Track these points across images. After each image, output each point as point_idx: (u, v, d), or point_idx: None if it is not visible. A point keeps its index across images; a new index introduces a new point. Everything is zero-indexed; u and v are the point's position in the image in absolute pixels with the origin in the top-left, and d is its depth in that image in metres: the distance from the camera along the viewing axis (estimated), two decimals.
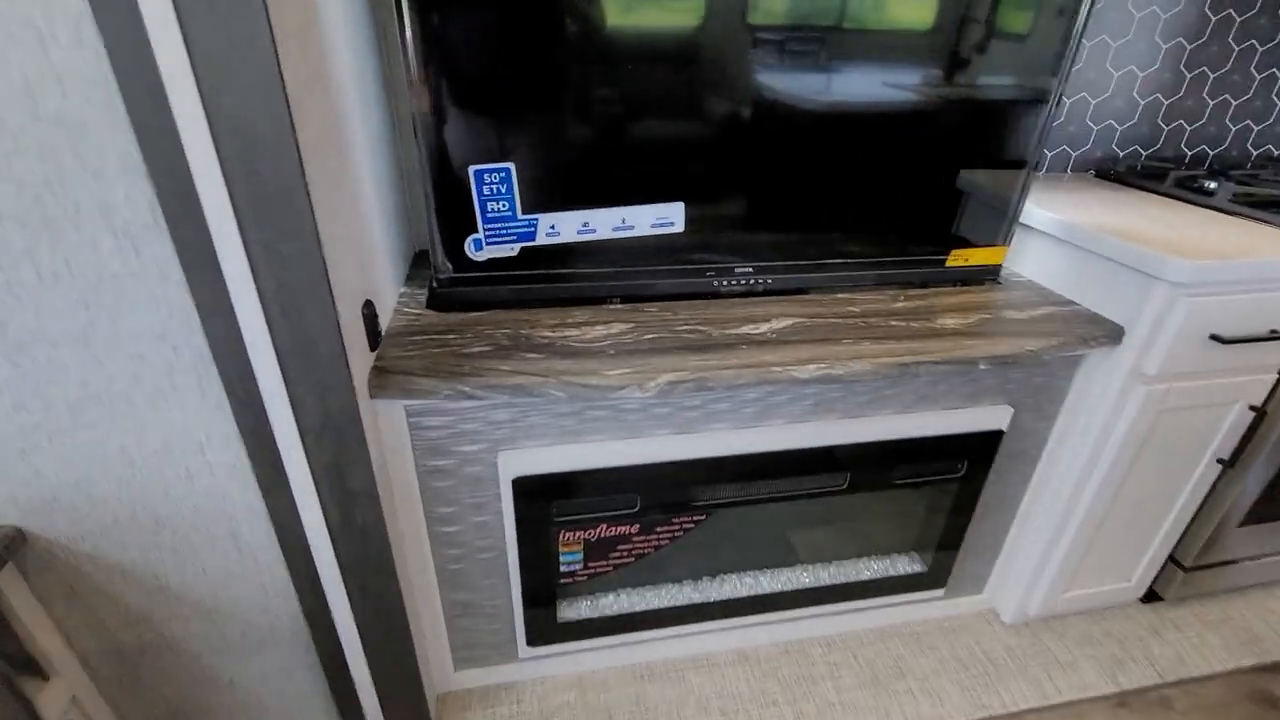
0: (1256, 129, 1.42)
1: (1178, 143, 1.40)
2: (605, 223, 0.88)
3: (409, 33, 0.72)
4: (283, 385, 0.60)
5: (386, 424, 0.77)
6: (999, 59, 0.91)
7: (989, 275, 1.09)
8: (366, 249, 0.76)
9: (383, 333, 0.80)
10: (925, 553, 1.18)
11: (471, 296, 0.90)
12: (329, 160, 0.63)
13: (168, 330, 0.58)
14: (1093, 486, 1.07)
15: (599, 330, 0.85)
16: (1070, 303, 1.01)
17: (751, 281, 0.98)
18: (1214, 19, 1.28)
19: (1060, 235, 1.04)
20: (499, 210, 0.84)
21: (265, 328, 0.57)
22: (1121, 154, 1.38)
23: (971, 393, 0.97)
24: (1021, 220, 1.08)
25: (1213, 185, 1.19)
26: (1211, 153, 1.43)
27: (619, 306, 0.93)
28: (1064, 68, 0.92)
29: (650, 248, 0.92)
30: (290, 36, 0.53)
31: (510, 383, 0.73)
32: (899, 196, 0.99)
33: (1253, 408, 1.03)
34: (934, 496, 1.10)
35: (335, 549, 0.71)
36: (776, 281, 0.99)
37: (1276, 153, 1.47)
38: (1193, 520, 1.20)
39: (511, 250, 0.87)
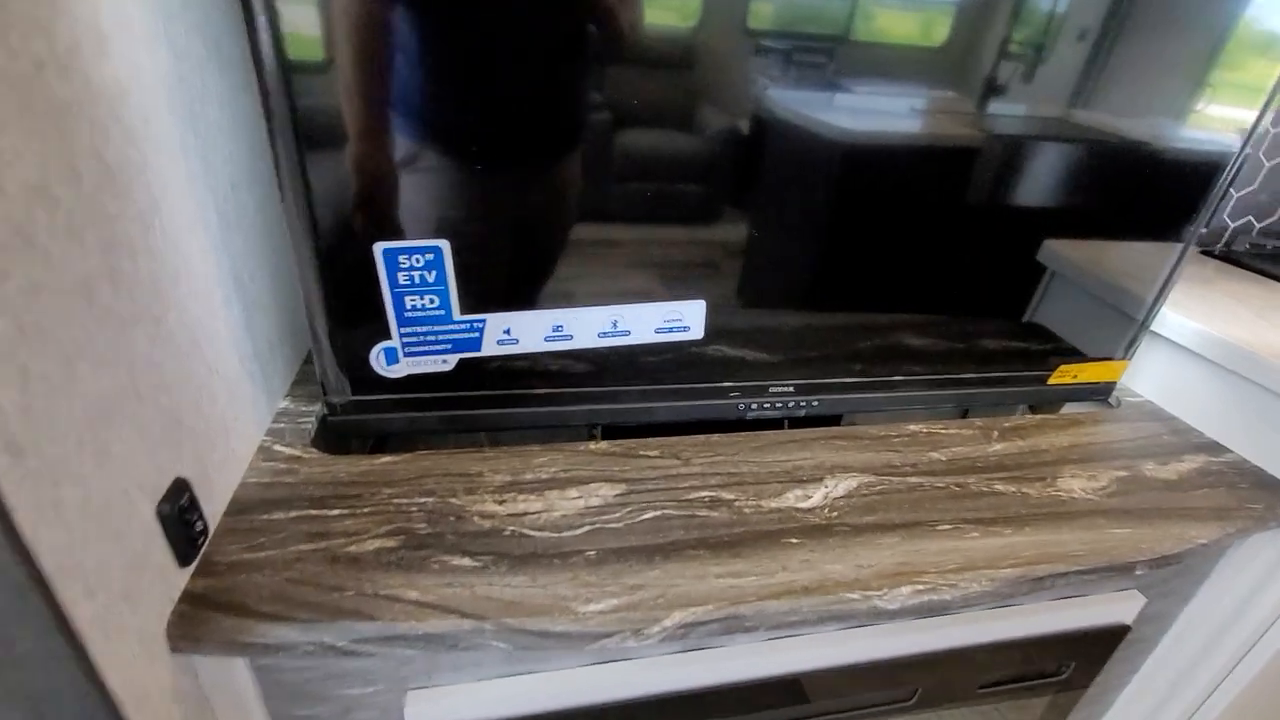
0: None
1: None
2: (588, 326, 0.59)
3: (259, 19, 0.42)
4: None
5: (212, 677, 0.47)
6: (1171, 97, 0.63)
7: (1099, 395, 0.82)
8: (188, 384, 0.46)
9: (208, 531, 0.49)
10: None
11: (381, 428, 0.60)
12: (80, 256, 0.32)
13: None
14: (1215, 673, 0.80)
15: (572, 499, 0.56)
16: (1220, 447, 0.74)
17: (791, 405, 0.70)
18: None
19: (1204, 352, 0.77)
20: (425, 308, 0.54)
21: None
22: (1233, 224, 1.12)
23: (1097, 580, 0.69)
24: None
25: None
26: None
27: (602, 447, 0.63)
28: (1261, 113, 0.64)
29: (652, 361, 0.63)
30: None
31: (420, 630, 0.43)
32: (992, 283, 0.71)
33: None
34: (1021, 701, 0.81)
35: None
36: (824, 404, 0.71)
37: None
38: None
39: (444, 364, 0.57)
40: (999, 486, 0.64)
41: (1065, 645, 0.72)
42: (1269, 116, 0.65)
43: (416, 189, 0.50)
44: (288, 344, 0.65)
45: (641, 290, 0.58)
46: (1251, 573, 0.73)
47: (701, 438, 0.66)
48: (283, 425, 0.61)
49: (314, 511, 0.51)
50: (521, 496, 0.55)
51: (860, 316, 0.68)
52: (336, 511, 0.51)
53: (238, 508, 0.51)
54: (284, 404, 0.64)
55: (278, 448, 0.58)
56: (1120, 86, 0.60)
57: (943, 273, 0.67)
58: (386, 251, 0.51)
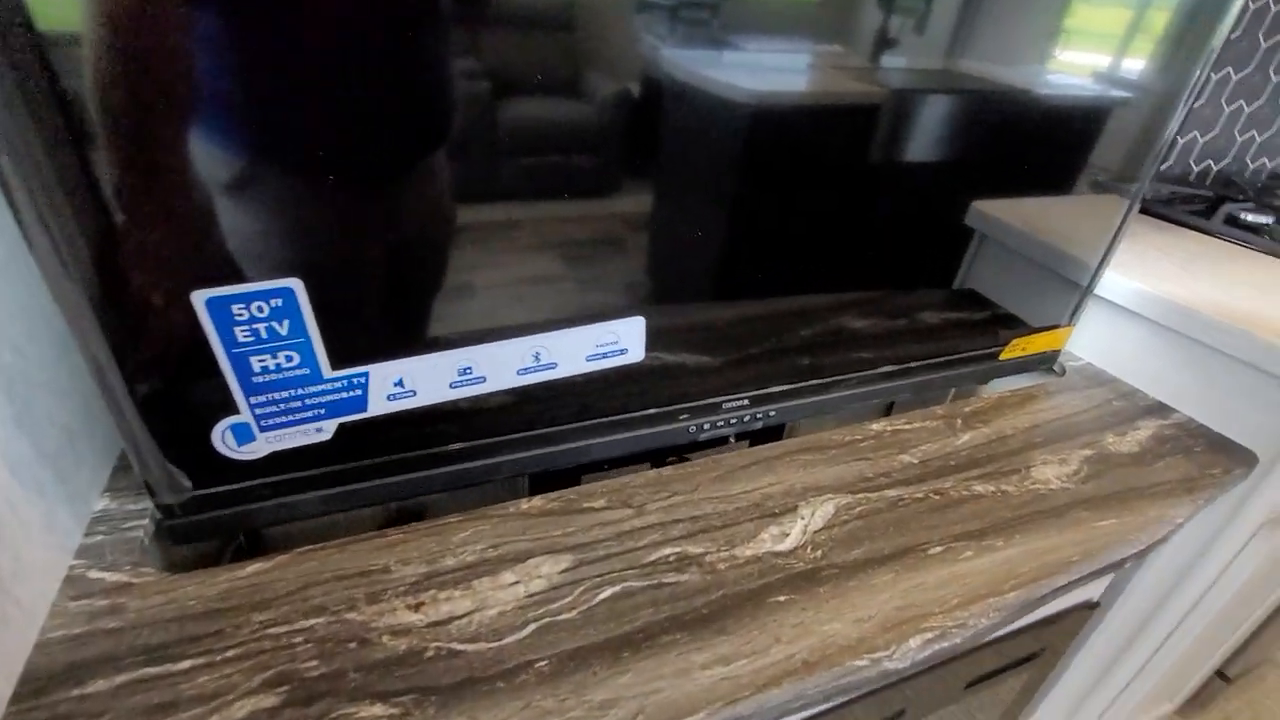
0: (1259, 139, 1.24)
1: (1187, 158, 1.18)
2: (504, 364, 0.47)
3: None
4: None
5: None
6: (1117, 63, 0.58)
7: (1046, 363, 0.79)
8: None
9: None
10: None
11: (241, 524, 0.46)
12: None
13: None
14: (1168, 626, 0.81)
15: (508, 586, 0.44)
16: (1166, 408, 0.73)
17: (746, 419, 0.61)
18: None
19: (1140, 310, 0.75)
20: (282, 368, 0.40)
21: None
22: None
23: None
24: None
25: (1265, 221, 0.96)
26: (1215, 167, 1.23)
27: (537, 506, 0.52)
28: (1205, 56, 0.61)
29: (586, 393, 0.52)
30: None
31: None
32: (921, 251, 0.64)
33: None
34: (997, 687, 0.79)
35: None
36: (781, 413, 0.63)
37: (1270, 164, 1.30)
38: (1252, 636, 0.99)
39: (319, 433, 0.44)
40: (977, 487, 0.58)
41: (1042, 629, 0.70)
42: (1207, 68, 0.62)
43: (248, 217, 0.35)
44: (97, 427, 0.49)
45: (547, 276, 0.46)
46: (1205, 527, 0.73)
47: (653, 474, 0.56)
48: (101, 538, 0.45)
49: (153, 670, 0.37)
50: (443, 594, 0.43)
51: (796, 301, 0.59)
52: (187, 664, 0.38)
53: (33, 685, 0.36)
54: (102, 505, 0.48)
55: (94, 574, 0.43)
56: (1037, 34, 0.54)
57: (869, 244, 0.58)
58: (213, 302, 0.36)
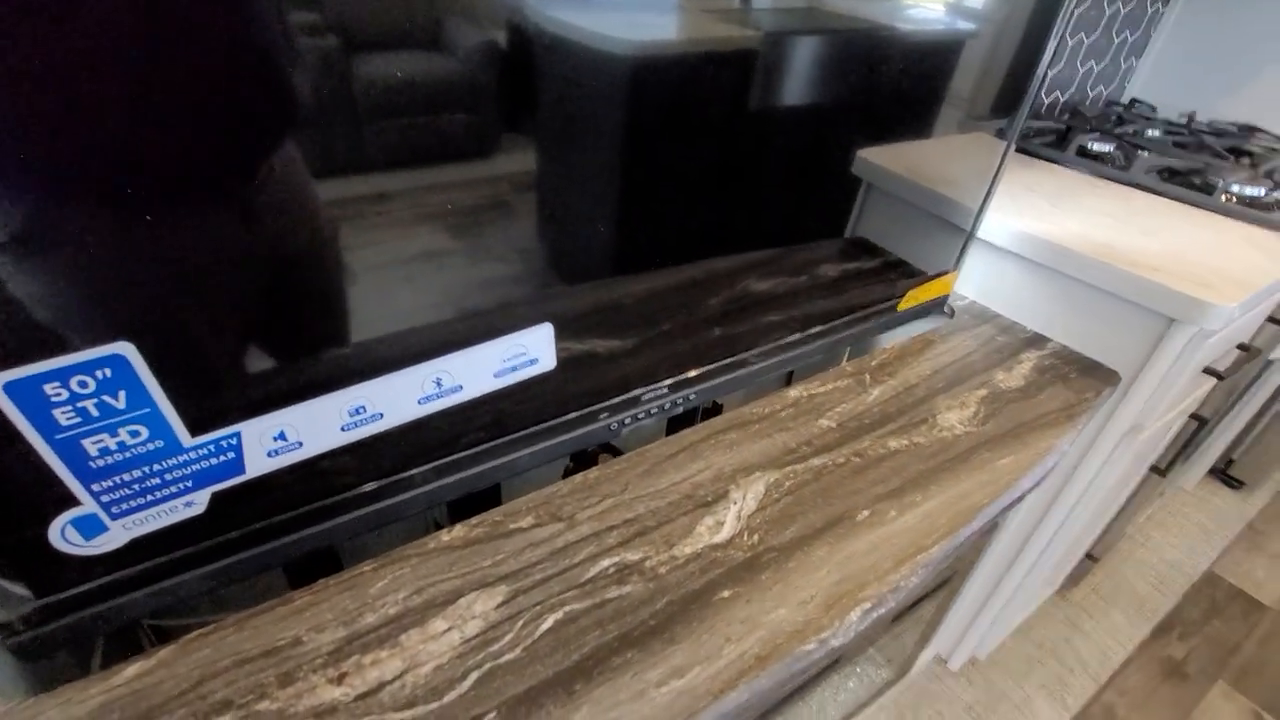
0: (1097, 69, 1.34)
1: (1040, 90, 1.25)
2: (401, 395, 0.42)
3: None
4: None
5: None
6: None
7: (938, 307, 0.83)
8: None
9: None
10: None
11: (107, 624, 0.39)
12: None
13: None
14: (1052, 530, 0.91)
15: (441, 634, 0.41)
16: (1042, 338, 0.79)
17: (667, 406, 0.59)
18: None
19: (1016, 249, 0.80)
20: (128, 445, 0.33)
21: None
22: None
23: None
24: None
25: (1109, 149, 1.05)
26: (1063, 98, 1.32)
27: (459, 535, 0.48)
28: None
29: (496, 410, 0.48)
30: None
31: None
32: (810, 203, 0.63)
33: (1194, 417, 0.93)
34: (911, 611, 0.86)
35: None
36: (700, 395, 0.61)
37: (1106, 92, 1.42)
38: (1114, 520, 1.13)
39: (190, 506, 0.38)
40: (892, 443, 0.60)
41: (955, 558, 0.75)
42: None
43: (47, 277, 0.28)
44: None
45: (431, 251, 0.40)
46: (1080, 441, 0.81)
47: (580, 478, 0.54)
48: None
49: None
50: (368, 657, 0.39)
51: (697, 268, 0.57)
52: None
53: None
54: None
55: None
56: None
57: (761, 200, 0.57)
58: (13, 386, 0.29)
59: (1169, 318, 0.68)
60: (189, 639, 0.40)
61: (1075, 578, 1.27)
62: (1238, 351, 0.83)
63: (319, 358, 0.38)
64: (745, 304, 0.61)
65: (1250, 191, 0.93)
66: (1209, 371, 0.77)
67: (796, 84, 0.51)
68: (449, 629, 0.41)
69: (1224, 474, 1.63)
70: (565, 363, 0.49)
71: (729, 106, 0.48)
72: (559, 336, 0.47)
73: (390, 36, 0.33)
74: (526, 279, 0.45)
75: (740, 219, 0.56)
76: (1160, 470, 0.99)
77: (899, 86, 0.58)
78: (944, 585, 0.81)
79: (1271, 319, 0.89)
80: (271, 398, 0.37)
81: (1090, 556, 1.20)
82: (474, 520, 0.49)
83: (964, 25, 0.60)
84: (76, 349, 0.30)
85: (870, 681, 0.95)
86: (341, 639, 0.40)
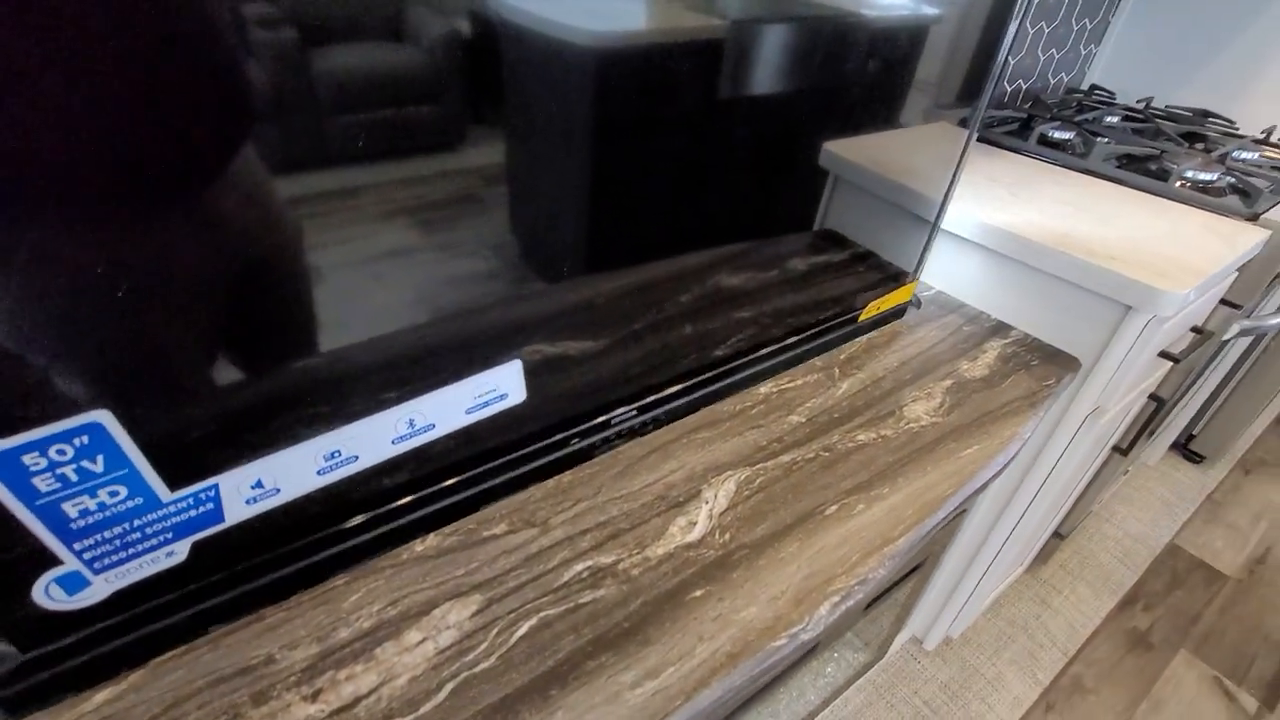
0: (1058, 56, 1.36)
1: (1002, 79, 1.27)
2: (375, 437, 0.42)
3: None
4: None
5: None
6: None
7: (898, 315, 0.84)
8: None
9: None
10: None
11: (94, 672, 0.38)
12: None
13: None
14: (1019, 512, 0.94)
15: (415, 645, 0.41)
16: (1005, 326, 0.81)
17: (635, 425, 0.60)
18: None
19: (979, 240, 0.81)
20: (108, 505, 0.33)
21: None
22: None
23: None
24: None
25: (1069, 137, 1.07)
26: (1025, 86, 1.34)
27: (432, 545, 0.48)
28: None
29: (469, 443, 0.48)
30: None
31: None
32: (778, 195, 0.64)
33: (1153, 397, 0.96)
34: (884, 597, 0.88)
35: None
36: (667, 413, 0.62)
37: (1067, 79, 1.44)
38: (1080, 499, 1.17)
39: (172, 556, 0.37)
40: (860, 437, 0.62)
41: (925, 544, 0.77)
42: None
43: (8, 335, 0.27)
44: None
45: (401, 248, 0.40)
46: (1043, 426, 0.84)
47: (553, 483, 0.54)
48: None
49: None
50: (343, 673, 0.40)
51: (669, 264, 0.57)
52: None
53: None
54: None
55: None
56: None
57: (727, 191, 0.57)
58: None
59: (1126, 305, 0.70)
60: (160, 660, 0.39)
61: (1044, 555, 1.31)
62: (1192, 334, 0.86)
63: (292, 387, 0.38)
64: (717, 299, 0.61)
65: (1204, 177, 0.96)
66: (1165, 355, 0.80)
67: (762, 74, 0.51)
68: (424, 640, 0.42)
69: (1185, 449, 1.68)
70: (536, 386, 0.49)
71: (694, 97, 0.48)
72: (529, 337, 0.47)
73: (352, 27, 0.32)
74: (500, 274, 0.44)
75: (707, 214, 0.56)
76: (1122, 450, 1.02)
77: (863, 76, 0.59)
78: (917, 570, 0.83)
79: (1224, 302, 0.92)
80: (248, 447, 0.37)
81: (1058, 534, 1.24)
82: (447, 529, 0.49)
83: (927, 12, 0.60)
84: (54, 418, 0.29)
85: (848, 665, 0.98)
86: (315, 655, 0.40)
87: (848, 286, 0.74)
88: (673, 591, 0.46)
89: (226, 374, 0.34)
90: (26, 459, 0.29)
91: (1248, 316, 0.92)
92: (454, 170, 0.40)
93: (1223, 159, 1.03)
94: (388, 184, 0.36)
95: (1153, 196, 0.92)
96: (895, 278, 0.78)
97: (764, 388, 0.67)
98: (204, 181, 0.30)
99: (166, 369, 0.32)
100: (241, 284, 0.33)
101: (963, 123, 0.73)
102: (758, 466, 0.57)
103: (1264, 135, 1.23)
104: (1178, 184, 0.95)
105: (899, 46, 0.60)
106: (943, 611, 1.10)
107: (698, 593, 0.46)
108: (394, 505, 0.46)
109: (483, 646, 0.41)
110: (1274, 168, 1.09)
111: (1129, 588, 1.33)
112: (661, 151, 0.49)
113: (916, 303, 0.86)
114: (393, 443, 0.42)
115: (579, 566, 0.47)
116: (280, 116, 0.31)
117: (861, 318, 0.75)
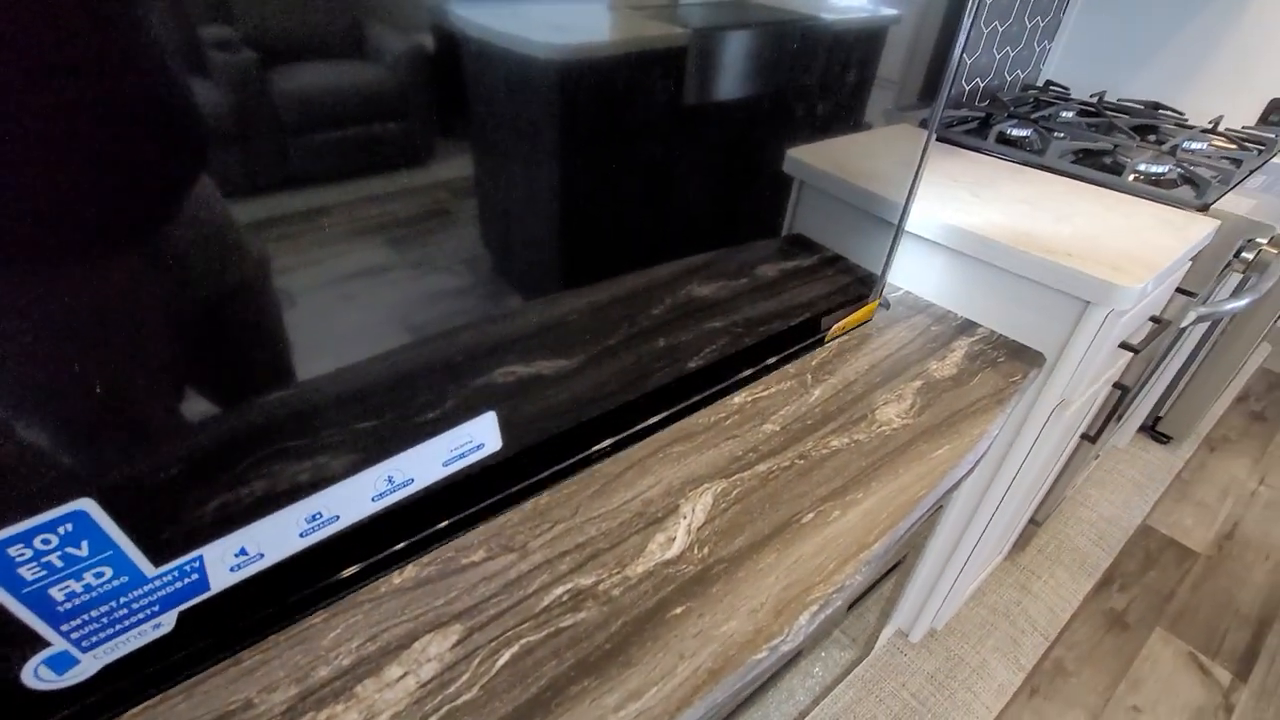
0: (1013, 54, 1.39)
1: (960, 79, 1.30)
2: (355, 496, 0.41)
3: None
4: None
5: None
6: None
7: (867, 319, 0.85)
8: None
9: None
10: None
11: None
12: None
13: None
14: (994, 504, 0.96)
15: (397, 681, 0.41)
16: (972, 324, 0.82)
17: (611, 443, 0.60)
18: None
19: (943, 241, 0.83)
20: (94, 587, 0.32)
21: None
22: None
23: None
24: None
25: (1027, 134, 1.09)
26: (982, 84, 1.37)
27: (410, 576, 0.48)
28: None
29: (445, 491, 0.48)
30: None
31: None
32: (746, 201, 0.65)
33: (1118, 386, 0.98)
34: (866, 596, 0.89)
35: None
36: (644, 428, 0.62)
37: (1023, 75, 1.47)
38: (1053, 486, 1.19)
39: (158, 628, 0.37)
40: (834, 443, 0.62)
41: (905, 542, 0.78)
42: None
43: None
44: None
45: (373, 267, 0.39)
46: (1013, 420, 0.85)
47: (529, 505, 0.54)
48: None
49: None
50: (323, 712, 0.39)
51: (640, 276, 0.57)
52: None
53: None
54: None
55: None
56: None
57: (695, 200, 0.57)
58: None
59: (1085, 300, 0.72)
60: (133, 714, 0.39)
61: (1022, 542, 1.33)
62: (1151, 324, 0.88)
63: (271, 449, 0.37)
64: (689, 310, 0.62)
65: (1155, 169, 0.99)
66: (1125, 346, 0.82)
67: (725, 82, 0.52)
68: (405, 675, 0.41)
69: (1153, 430, 1.73)
70: (511, 412, 0.49)
71: (658, 107, 0.48)
72: (503, 356, 0.47)
73: (312, 45, 0.32)
74: (471, 291, 0.44)
75: (675, 224, 0.56)
76: (1090, 438, 1.05)
77: (824, 81, 0.59)
78: (899, 565, 0.85)
79: (1180, 290, 0.95)
80: (230, 519, 0.36)
81: (1034, 521, 1.27)
82: (426, 558, 0.49)
83: (884, 14, 0.61)
84: (37, 510, 0.29)
85: (836, 663, 0.99)
86: (295, 696, 0.40)
87: (817, 291, 0.75)
88: (653, 610, 0.46)
89: (204, 439, 0.33)
90: (11, 550, 0.28)
91: (1203, 303, 0.95)
92: (423, 185, 0.40)
93: (1173, 151, 1.07)
94: (355, 202, 0.36)
95: (1108, 190, 0.95)
96: (863, 281, 0.79)
97: (738, 397, 0.68)
98: (161, 219, 0.29)
99: (144, 438, 0.31)
100: (211, 329, 0.33)
101: (923, 123, 0.74)
102: (734, 478, 0.58)
103: (1211, 125, 1.27)
104: (1131, 177, 0.97)
105: (858, 50, 0.61)
106: (926, 604, 1.12)
107: (678, 610, 0.46)
108: (371, 540, 0.45)
109: (465, 677, 0.41)
110: (1222, 156, 1.13)
111: (1105, 569, 1.37)
112: (628, 162, 0.49)
113: (885, 304, 0.87)
114: (373, 499, 0.42)
115: (559, 590, 0.47)
116: (239, 143, 0.30)
117: (828, 339, 0.77)
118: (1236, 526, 1.51)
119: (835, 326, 0.76)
